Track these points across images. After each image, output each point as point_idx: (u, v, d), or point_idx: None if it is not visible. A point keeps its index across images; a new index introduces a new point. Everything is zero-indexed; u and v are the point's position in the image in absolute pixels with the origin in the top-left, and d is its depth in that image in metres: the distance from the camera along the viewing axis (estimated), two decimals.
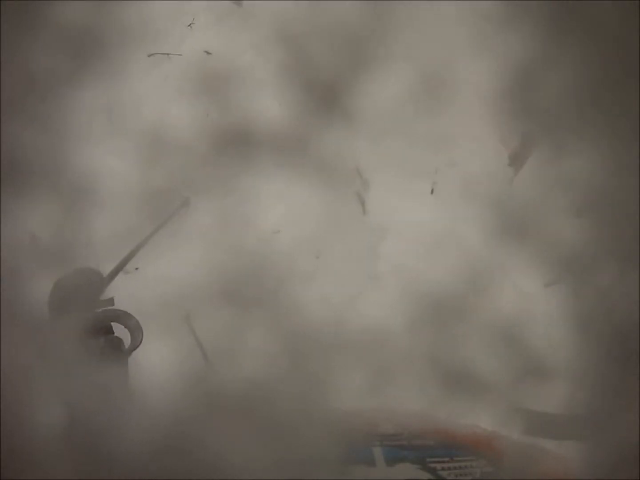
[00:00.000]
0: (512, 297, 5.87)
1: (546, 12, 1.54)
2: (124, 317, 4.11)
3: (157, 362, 3.34)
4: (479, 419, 3.34)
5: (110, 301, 4.95)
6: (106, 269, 4.76)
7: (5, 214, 1.55)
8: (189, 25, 8.31)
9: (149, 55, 7.17)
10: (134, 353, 3.93)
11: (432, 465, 2.84)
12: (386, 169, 7.68)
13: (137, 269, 5.47)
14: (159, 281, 5.39)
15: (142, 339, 4.48)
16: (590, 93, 1.54)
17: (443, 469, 2.84)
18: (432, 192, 7.41)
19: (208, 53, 8.47)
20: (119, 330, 5.46)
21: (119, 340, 5.24)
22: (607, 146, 1.54)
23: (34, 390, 1.68)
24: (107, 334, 4.97)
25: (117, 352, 5.39)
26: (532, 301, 5.80)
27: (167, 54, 7.70)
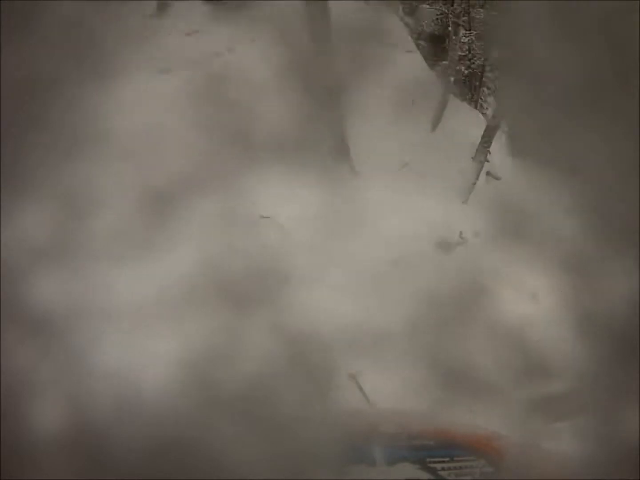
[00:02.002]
0: (512, 297, 5.89)
1: (547, 9, 1.54)
2: None
3: (157, 361, 3.34)
4: (479, 419, 3.34)
5: None
6: (106, 269, 4.76)
7: (5, 214, 1.55)
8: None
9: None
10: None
11: (432, 465, 2.84)
12: (384, 169, 7.66)
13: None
14: (159, 281, 5.38)
15: None
16: (590, 93, 1.54)
17: (443, 469, 2.85)
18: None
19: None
20: None
21: None
22: (607, 145, 1.54)
23: (34, 390, 1.68)
24: None
25: None
26: (532, 301, 5.81)
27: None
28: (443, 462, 2.87)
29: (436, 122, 7.98)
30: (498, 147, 8.36)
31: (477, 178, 7.78)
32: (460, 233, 7.01)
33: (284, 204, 6.52)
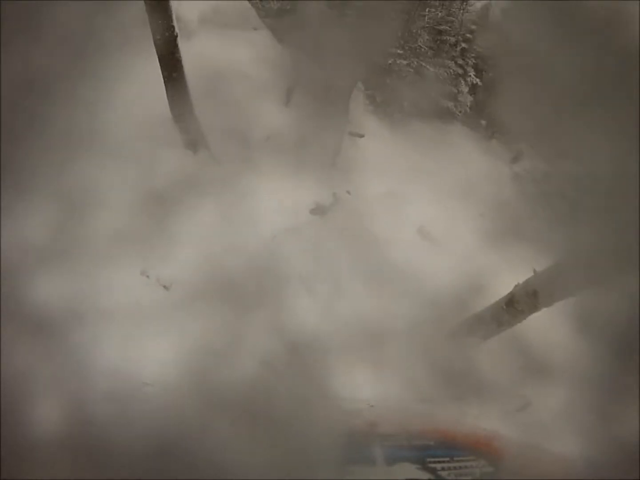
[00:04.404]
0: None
1: (549, 9, 1.55)
2: None
3: (157, 362, 3.34)
4: (479, 419, 3.34)
5: None
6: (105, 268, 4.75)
7: (6, 214, 1.55)
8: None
9: None
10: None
11: (432, 465, 2.85)
12: (385, 171, 7.66)
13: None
14: (159, 282, 5.39)
15: None
16: (591, 92, 1.54)
17: (443, 469, 2.85)
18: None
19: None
20: None
21: None
22: (607, 148, 1.54)
23: (34, 390, 1.68)
24: None
25: None
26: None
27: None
28: (443, 462, 2.87)
29: (289, 96, 7.97)
30: (355, 105, 8.28)
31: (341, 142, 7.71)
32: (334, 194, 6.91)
33: (284, 204, 6.52)
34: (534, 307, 4.98)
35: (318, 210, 6.84)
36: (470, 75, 9.54)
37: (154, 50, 6.47)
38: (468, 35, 9.82)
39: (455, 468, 2.86)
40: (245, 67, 7.77)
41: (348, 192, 7.22)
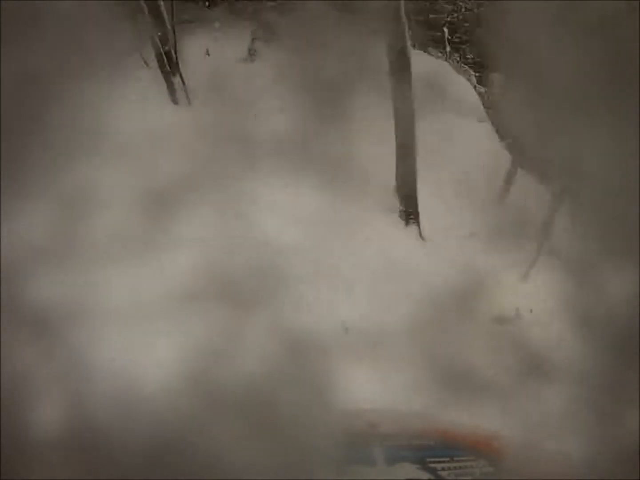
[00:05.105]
0: (511, 297, 5.89)
1: (547, 9, 1.55)
2: None
3: (157, 361, 3.34)
4: (479, 419, 3.34)
5: None
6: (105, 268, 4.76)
7: (6, 214, 1.55)
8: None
9: None
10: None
11: (432, 465, 2.85)
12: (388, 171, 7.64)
13: None
14: (159, 281, 5.39)
15: None
16: (589, 94, 1.54)
17: (443, 469, 2.85)
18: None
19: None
20: None
21: None
22: (608, 145, 1.54)
23: (34, 390, 1.68)
24: None
25: None
26: (531, 301, 5.80)
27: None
28: (443, 462, 2.87)
29: (504, 194, 7.71)
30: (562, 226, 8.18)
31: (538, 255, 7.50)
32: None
33: (284, 204, 6.52)
34: None
35: (320, 210, 6.88)
36: None
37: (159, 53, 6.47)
38: None
39: (455, 468, 2.86)
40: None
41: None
